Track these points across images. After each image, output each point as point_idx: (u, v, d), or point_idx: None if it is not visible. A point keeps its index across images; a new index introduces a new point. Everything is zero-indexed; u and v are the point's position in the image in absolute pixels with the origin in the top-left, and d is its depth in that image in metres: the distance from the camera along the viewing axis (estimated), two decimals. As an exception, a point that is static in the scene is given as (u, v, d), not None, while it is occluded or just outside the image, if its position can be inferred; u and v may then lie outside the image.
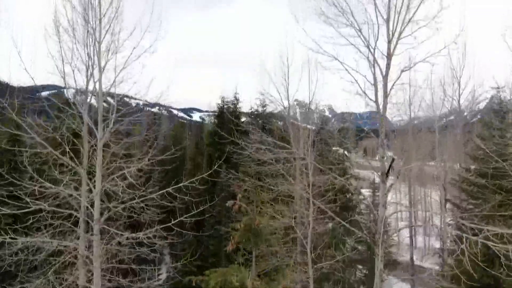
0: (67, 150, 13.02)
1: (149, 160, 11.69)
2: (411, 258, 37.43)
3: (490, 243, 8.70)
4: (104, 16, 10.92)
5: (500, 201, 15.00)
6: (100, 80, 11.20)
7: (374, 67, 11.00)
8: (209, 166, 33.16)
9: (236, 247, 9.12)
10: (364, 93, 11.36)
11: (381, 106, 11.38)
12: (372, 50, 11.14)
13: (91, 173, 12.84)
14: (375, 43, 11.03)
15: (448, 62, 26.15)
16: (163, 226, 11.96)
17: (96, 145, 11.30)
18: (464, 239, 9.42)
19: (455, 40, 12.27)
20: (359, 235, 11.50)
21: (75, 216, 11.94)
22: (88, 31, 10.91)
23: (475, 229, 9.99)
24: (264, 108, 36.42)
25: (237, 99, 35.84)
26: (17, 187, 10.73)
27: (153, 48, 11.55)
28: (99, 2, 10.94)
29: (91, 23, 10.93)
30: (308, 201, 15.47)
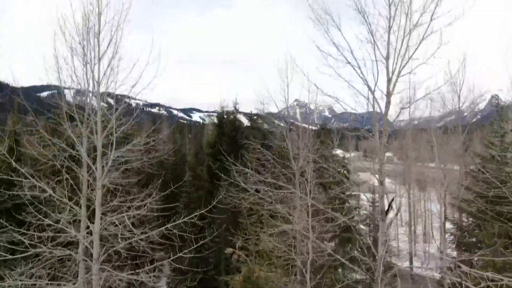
0: (66, 177, 13.15)
1: (146, 206, 11.61)
2: (411, 267, 37.56)
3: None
4: (102, 56, 10.89)
5: (501, 228, 14.97)
6: (98, 119, 11.17)
7: (374, 107, 10.97)
8: (209, 176, 33.32)
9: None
10: (364, 130, 11.34)
11: (380, 144, 11.36)
12: (371, 90, 11.12)
13: (90, 200, 12.89)
14: (375, 83, 11.00)
15: (447, 76, 26.11)
16: (163, 261, 11.96)
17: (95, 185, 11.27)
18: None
19: (455, 75, 12.24)
20: (357, 271, 11.46)
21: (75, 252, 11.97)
22: (86, 73, 10.88)
23: (475, 273, 9.94)
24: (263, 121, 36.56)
25: (236, 109, 35.83)
26: (16, 232, 10.70)
27: (152, 85, 11.52)
28: (98, 41, 10.90)
29: (90, 63, 10.89)
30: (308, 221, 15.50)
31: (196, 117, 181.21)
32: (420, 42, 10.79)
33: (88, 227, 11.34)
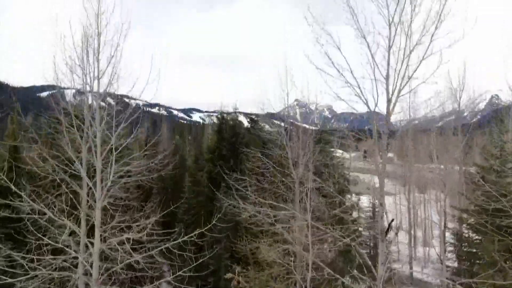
0: (65, 191, 13.22)
1: (145, 229, 11.56)
2: (410, 265, 37.59)
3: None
4: (102, 76, 10.89)
5: (500, 243, 14.98)
6: (98, 139, 11.14)
7: (375, 128, 10.97)
8: (209, 182, 33.24)
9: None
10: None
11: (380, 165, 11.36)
12: (371, 110, 11.11)
13: (89, 216, 12.89)
14: (375, 104, 10.98)
15: (448, 83, 26.21)
16: (163, 279, 11.96)
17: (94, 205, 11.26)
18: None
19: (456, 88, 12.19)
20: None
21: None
22: (85, 94, 10.87)
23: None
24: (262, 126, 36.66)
25: (236, 115, 35.80)
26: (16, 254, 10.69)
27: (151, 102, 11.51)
28: (97, 63, 10.89)
29: (90, 83, 10.89)
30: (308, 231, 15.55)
31: (196, 117, 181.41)
32: (420, 63, 10.76)
33: (87, 246, 11.34)
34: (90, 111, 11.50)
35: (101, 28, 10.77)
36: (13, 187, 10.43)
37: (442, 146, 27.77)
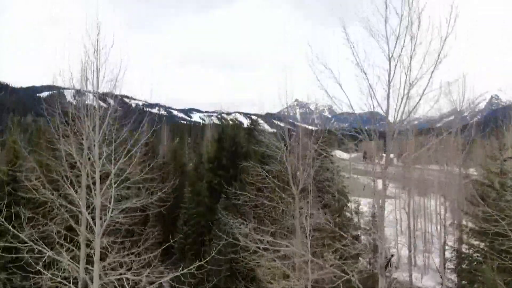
0: (66, 215, 13.27)
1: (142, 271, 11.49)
2: (410, 278, 37.59)
3: None
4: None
5: (500, 264, 14.96)
6: (97, 175, 11.11)
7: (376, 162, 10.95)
8: (209, 193, 33.17)
9: None
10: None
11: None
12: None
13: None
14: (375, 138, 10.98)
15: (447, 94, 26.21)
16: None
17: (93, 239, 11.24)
18: None
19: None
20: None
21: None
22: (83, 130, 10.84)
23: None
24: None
25: (237, 121, 35.76)
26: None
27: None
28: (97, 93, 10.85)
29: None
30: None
31: (196, 117, 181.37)
32: (420, 99, 10.75)
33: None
34: (88, 142, 11.43)
35: (100, 64, 10.74)
36: (11, 228, 10.38)
37: (442, 150, 27.73)
